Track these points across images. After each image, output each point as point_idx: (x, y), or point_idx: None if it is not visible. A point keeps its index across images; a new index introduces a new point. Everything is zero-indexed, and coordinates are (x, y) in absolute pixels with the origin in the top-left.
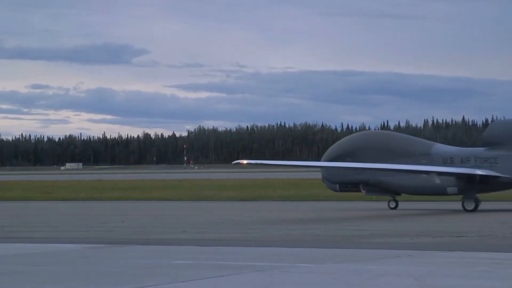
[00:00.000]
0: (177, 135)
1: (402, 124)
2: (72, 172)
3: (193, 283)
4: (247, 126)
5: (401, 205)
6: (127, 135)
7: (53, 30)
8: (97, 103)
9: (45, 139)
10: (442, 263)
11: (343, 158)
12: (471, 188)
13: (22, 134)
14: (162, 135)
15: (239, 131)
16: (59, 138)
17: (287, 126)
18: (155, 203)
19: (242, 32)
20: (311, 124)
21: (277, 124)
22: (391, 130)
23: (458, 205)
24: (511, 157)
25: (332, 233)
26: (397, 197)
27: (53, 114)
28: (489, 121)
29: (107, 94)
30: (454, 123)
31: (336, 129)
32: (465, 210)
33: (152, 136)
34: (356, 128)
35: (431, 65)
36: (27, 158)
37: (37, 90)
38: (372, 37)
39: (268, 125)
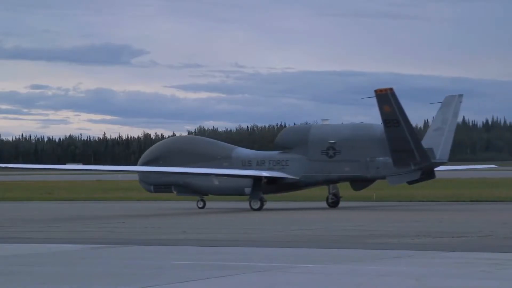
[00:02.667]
0: (177, 135)
1: None
2: (73, 172)
3: (193, 283)
4: (247, 127)
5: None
6: (127, 135)
7: (52, 30)
8: (96, 103)
9: (45, 139)
10: (442, 263)
11: (156, 161)
12: (258, 189)
13: (22, 134)
14: (162, 135)
15: (239, 131)
16: (59, 139)
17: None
18: (155, 203)
19: (241, 32)
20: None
21: (277, 125)
22: None
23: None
24: (299, 160)
25: (332, 233)
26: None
27: (53, 115)
28: (489, 122)
29: (107, 95)
30: None
31: None
32: (252, 209)
33: (153, 136)
34: None
35: (431, 65)
36: (27, 159)
37: (37, 91)
38: (372, 37)
39: (269, 126)
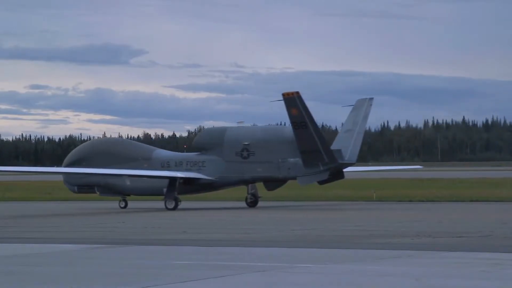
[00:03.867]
0: (177, 135)
1: (402, 125)
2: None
3: (193, 283)
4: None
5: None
6: (127, 135)
7: (52, 30)
8: (96, 103)
9: (45, 139)
10: (442, 263)
11: (80, 162)
12: (173, 189)
13: (22, 134)
14: (162, 135)
15: None
16: (59, 139)
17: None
18: (155, 203)
19: (240, 32)
20: None
21: (277, 125)
22: (391, 130)
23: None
24: (215, 161)
25: (332, 233)
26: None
27: (52, 115)
28: (489, 122)
29: (106, 95)
30: (454, 123)
31: (336, 129)
32: (167, 209)
33: (153, 136)
34: None
35: (431, 65)
36: (27, 159)
37: (36, 91)
38: (371, 37)
39: (269, 125)
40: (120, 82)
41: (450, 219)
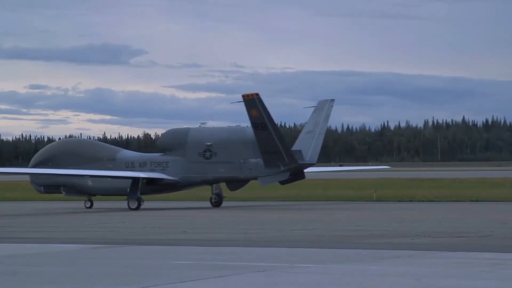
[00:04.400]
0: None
1: (402, 125)
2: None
3: (193, 283)
4: (247, 126)
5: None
6: (127, 135)
7: (51, 30)
8: (96, 103)
9: (45, 139)
10: (442, 263)
11: (45, 163)
12: (136, 189)
13: (22, 134)
14: None
15: None
16: (59, 138)
17: (288, 127)
18: (155, 203)
19: (240, 32)
20: None
21: (277, 125)
22: (391, 130)
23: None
24: (179, 162)
25: (332, 233)
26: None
27: (52, 115)
28: (489, 122)
29: (106, 95)
30: (454, 123)
31: (336, 129)
32: (130, 209)
33: (153, 136)
34: (356, 129)
35: (431, 65)
36: (27, 159)
37: (36, 91)
38: (371, 37)
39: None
40: (120, 82)
41: (450, 219)
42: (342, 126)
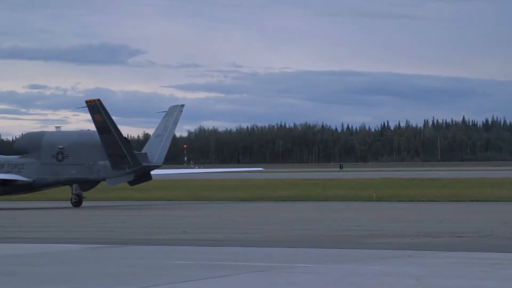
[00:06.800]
0: (177, 135)
1: (402, 124)
2: None
3: (193, 283)
4: (247, 127)
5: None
6: (127, 135)
7: (50, 30)
8: None
9: None
10: (442, 263)
11: None
12: None
13: (21, 134)
14: None
15: (239, 131)
16: None
17: (287, 127)
18: (155, 203)
19: (238, 32)
20: (311, 124)
21: (277, 125)
22: (391, 130)
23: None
24: (34, 164)
25: (332, 233)
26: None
27: (51, 114)
28: (489, 122)
29: (105, 94)
30: (454, 123)
31: (336, 129)
32: None
33: None
34: (356, 129)
35: (431, 65)
36: None
37: (35, 90)
38: (370, 37)
39: (269, 126)
40: (119, 82)
41: (450, 219)
42: (342, 126)
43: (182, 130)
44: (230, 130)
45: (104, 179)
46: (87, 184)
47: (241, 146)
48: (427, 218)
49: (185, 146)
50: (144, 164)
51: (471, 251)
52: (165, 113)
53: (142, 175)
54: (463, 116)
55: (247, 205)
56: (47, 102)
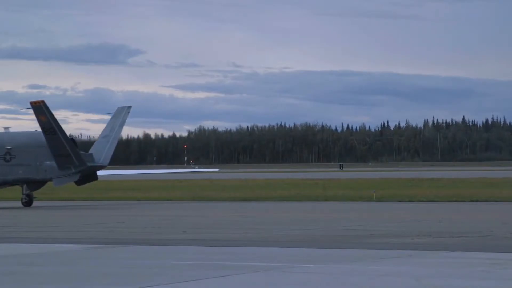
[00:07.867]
0: (177, 135)
1: (402, 124)
2: None
3: (193, 283)
4: (247, 127)
5: None
6: (127, 135)
7: (50, 30)
8: (95, 103)
9: None
10: (442, 263)
11: None
12: None
13: None
14: (162, 135)
15: (239, 131)
16: None
17: (287, 127)
18: (155, 203)
19: (238, 32)
20: (311, 124)
21: (277, 125)
22: (391, 130)
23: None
24: None
25: (332, 233)
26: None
27: None
28: (489, 122)
29: (105, 94)
30: (454, 123)
31: (336, 129)
32: None
33: (153, 136)
34: (356, 129)
35: (430, 65)
36: None
37: (35, 90)
38: (370, 37)
39: (269, 126)
40: (119, 82)
41: (450, 219)
42: (342, 126)
43: (182, 130)
44: (230, 130)
45: (51, 179)
46: (34, 184)
47: (241, 146)
48: (427, 218)
49: (185, 146)
50: (90, 164)
51: (471, 251)
52: (112, 114)
53: (88, 175)
54: (463, 116)
55: (247, 205)
56: (47, 102)
